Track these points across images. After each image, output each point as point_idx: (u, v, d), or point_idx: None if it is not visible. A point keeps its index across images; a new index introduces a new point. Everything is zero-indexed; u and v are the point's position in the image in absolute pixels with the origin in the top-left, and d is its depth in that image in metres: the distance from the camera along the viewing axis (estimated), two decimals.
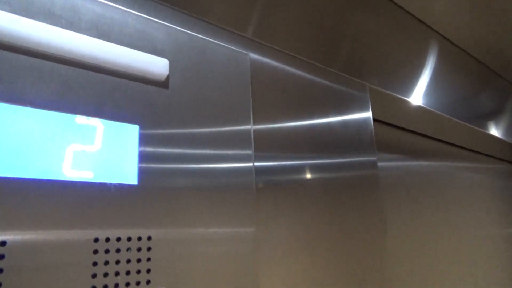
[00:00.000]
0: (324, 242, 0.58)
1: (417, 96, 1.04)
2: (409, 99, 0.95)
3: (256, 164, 0.52)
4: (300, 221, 0.55)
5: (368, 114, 0.74)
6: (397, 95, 0.91)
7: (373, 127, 0.75)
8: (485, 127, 1.41)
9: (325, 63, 0.70)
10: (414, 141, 0.93)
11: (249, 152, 0.52)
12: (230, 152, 0.49)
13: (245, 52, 0.55)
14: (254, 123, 0.54)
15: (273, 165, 0.55)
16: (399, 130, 0.90)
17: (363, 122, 0.73)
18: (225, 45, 0.53)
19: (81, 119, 0.39)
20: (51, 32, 0.37)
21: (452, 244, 0.99)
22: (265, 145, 0.54)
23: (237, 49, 0.54)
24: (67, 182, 0.36)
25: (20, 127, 0.35)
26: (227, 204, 0.47)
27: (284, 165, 0.56)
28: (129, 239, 0.39)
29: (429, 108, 0.99)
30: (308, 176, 0.59)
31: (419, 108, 0.97)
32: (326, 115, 0.65)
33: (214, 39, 0.52)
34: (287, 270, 0.52)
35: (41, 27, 0.37)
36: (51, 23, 0.38)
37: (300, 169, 0.58)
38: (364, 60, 0.86)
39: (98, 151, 0.39)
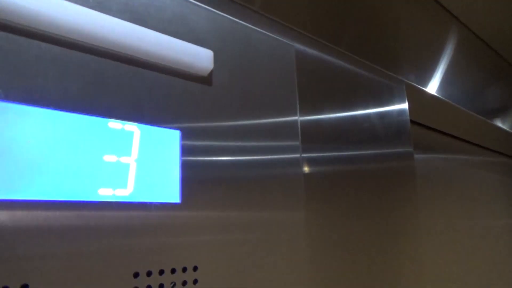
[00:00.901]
0: (364, 232, 0.55)
1: (433, 86, 0.98)
2: (426, 89, 0.89)
3: (303, 155, 0.47)
4: (343, 210, 0.53)
5: (405, 105, 0.71)
6: (433, 93, 0.85)
7: (409, 119, 0.72)
8: (494, 121, 1.36)
9: (361, 55, 0.65)
10: (447, 140, 0.88)
11: (296, 143, 0.45)
12: (277, 143, 0.43)
13: (291, 44, 0.48)
14: (300, 114, 0.48)
15: (319, 156, 0.51)
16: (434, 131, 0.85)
17: (399, 114, 0.69)
18: (271, 35, 0.46)
19: (114, 124, 0.31)
20: (77, 14, 0.29)
21: (480, 236, 0.95)
22: (311, 136, 0.50)
23: (283, 40, 0.47)
24: (101, 203, 0.29)
25: (41, 134, 0.27)
26: (275, 194, 0.41)
27: (329, 156, 0.53)
28: (173, 271, 0.32)
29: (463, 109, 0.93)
30: (350, 166, 0.56)
31: (449, 105, 0.91)
32: (366, 107, 0.61)
33: (260, 29, 0.45)
34: (333, 257, 0.49)
35: (65, 7, 0.29)
36: (76, 2, 0.30)
37: (343, 159, 0.55)
38: (395, 48, 0.80)
39: (135, 163, 0.32)
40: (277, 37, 0.46)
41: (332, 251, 0.49)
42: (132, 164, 0.32)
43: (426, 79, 0.95)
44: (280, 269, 0.39)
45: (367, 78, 0.63)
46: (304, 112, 0.49)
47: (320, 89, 0.53)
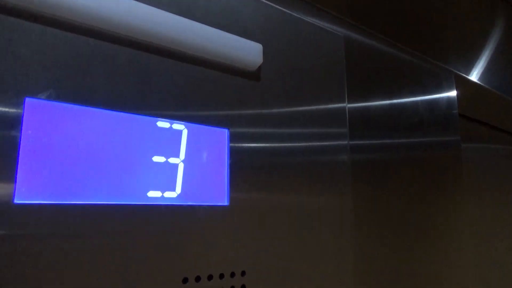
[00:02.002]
0: (410, 220, 0.54)
1: (480, 75, 0.92)
2: (474, 79, 0.84)
3: (351, 142, 0.46)
4: (389, 198, 0.52)
5: (453, 94, 0.69)
6: (482, 84, 0.80)
7: (457, 108, 0.70)
8: None
9: (410, 45, 0.61)
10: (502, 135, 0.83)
11: (344, 130, 0.44)
12: (326, 130, 0.41)
13: (340, 34, 0.45)
14: (348, 101, 0.46)
15: (366, 143, 0.50)
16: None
17: (448, 103, 0.67)
18: (319, 25, 0.43)
19: (163, 123, 0.30)
20: (126, 7, 0.28)
21: None
22: (359, 123, 0.49)
23: (332, 30, 0.44)
24: (149, 206, 0.28)
25: (91, 135, 0.26)
26: (323, 181, 0.39)
27: (376, 143, 0.52)
28: (222, 276, 0.31)
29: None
30: (397, 154, 0.55)
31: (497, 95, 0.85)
32: (414, 96, 0.59)
33: (308, 19, 0.42)
34: (379, 245, 0.48)
35: (113, 0, 0.27)
36: None
37: (390, 147, 0.54)
38: (443, 37, 0.75)
39: (182, 164, 0.30)
40: (326, 27, 0.44)
41: (378, 239, 0.48)
42: (180, 165, 0.30)
43: (473, 68, 0.90)
44: (327, 260, 0.38)
45: (415, 68, 0.60)
46: (352, 99, 0.48)
47: (368, 77, 0.51)
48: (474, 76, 0.81)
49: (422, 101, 0.61)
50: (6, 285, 0.22)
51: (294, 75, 0.39)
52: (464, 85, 0.74)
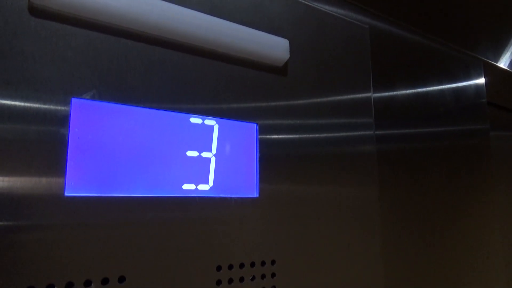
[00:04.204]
0: (437, 209, 0.55)
1: (506, 59, 0.90)
2: (499, 65, 0.82)
3: (376, 132, 0.47)
4: (416, 187, 0.52)
5: (481, 80, 0.68)
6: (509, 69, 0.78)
7: (486, 96, 0.69)
8: None
9: (437, 33, 0.61)
10: None
11: (370, 120, 0.44)
12: (351, 120, 0.42)
13: (365, 26, 0.45)
14: (374, 91, 0.47)
15: (392, 133, 0.50)
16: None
17: (476, 91, 0.66)
18: (345, 18, 0.43)
19: (196, 119, 0.31)
20: (163, 10, 0.29)
21: None
22: (385, 113, 0.49)
23: (357, 22, 0.45)
24: (184, 198, 0.30)
25: (130, 131, 0.28)
26: (350, 171, 0.41)
27: (403, 132, 0.52)
28: (253, 264, 0.32)
29: None
30: (424, 143, 0.55)
31: None
32: (441, 84, 0.59)
33: (334, 12, 0.43)
34: (405, 234, 0.49)
35: (152, 3, 0.29)
36: None
37: (416, 136, 0.54)
38: (471, 24, 0.74)
39: (214, 157, 0.32)
40: (352, 20, 0.44)
41: (405, 228, 0.49)
42: (212, 159, 0.32)
43: (502, 55, 0.87)
44: (354, 249, 0.39)
45: (443, 56, 0.60)
46: (377, 89, 0.48)
47: (394, 66, 0.52)
48: (503, 63, 0.79)
49: (449, 89, 0.61)
50: (57, 272, 0.24)
51: (320, 68, 0.40)
52: (493, 72, 0.72)
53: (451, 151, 0.59)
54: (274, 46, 0.35)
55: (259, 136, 0.35)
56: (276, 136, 0.36)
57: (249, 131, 0.34)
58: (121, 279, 0.26)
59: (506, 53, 0.82)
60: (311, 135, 0.38)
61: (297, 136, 0.37)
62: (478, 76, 0.68)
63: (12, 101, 0.23)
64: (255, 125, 0.35)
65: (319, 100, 0.39)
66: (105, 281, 0.25)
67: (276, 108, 0.36)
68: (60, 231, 0.24)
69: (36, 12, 0.25)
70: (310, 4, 0.40)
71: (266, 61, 0.35)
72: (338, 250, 0.38)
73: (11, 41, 0.24)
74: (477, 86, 0.67)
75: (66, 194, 0.25)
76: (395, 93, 0.51)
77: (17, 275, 0.22)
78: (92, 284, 0.25)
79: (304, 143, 0.37)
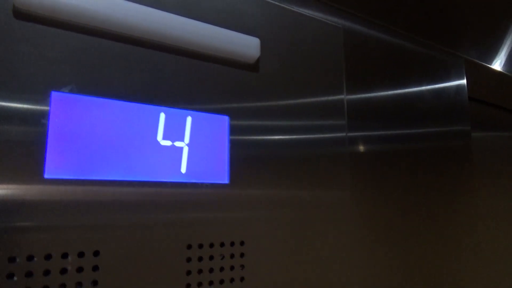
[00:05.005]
0: (414, 213, 0.55)
1: (499, 62, 0.91)
2: (491, 66, 0.83)
3: (349, 134, 0.48)
4: (391, 190, 0.53)
5: (463, 81, 0.68)
6: (493, 67, 0.79)
7: (467, 96, 0.69)
8: None
9: (414, 30, 0.62)
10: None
11: (343, 122, 0.47)
12: (324, 123, 0.44)
13: (339, 26, 0.48)
14: (347, 93, 0.48)
15: (366, 135, 0.51)
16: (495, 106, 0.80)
17: (457, 92, 0.66)
18: (318, 18, 0.46)
19: (170, 111, 0.34)
20: (136, 12, 0.32)
21: None
22: (359, 114, 0.50)
23: (331, 23, 0.47)
24: (158, 183, 0.32)
25: (107, 122, 0.31)
26: (324, 187, 0.42)
27: (377, 134, 0.53)
28: (222, 244, 0.35)
29: None
30: (400, 145, 0.56)
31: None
32: (419, 84, 0.60)
33: (307, 12, 0.45)
34: (378, 239, 0.50)
35: (126, 6, 0.32)
36: (135, 1, 0.33)
37: (392, 138, 0.55)
38: (452, 20, 0.75)
39: (187, 147, 0.35)
40: (325, 20, 0.47)
41: (378, 233, 0.49)
42: (185, 148, 0.35)
43: (490, 54, 0.88)
44: (324, 244, 0.41)
45: (421, 55, 0.61)
46: (351, 91, 0.49)
47: (368, 67, 0.53)
48: (492, 63, 0.80)
49: (429, 90, 0.62)
50: (36, 244, 0.27)
51: (292, 66, 0.43)
52: (476, 71, 0.73)
53: (431, 152, 0.60)
54: (245, 44, 0.38)
55: (231, 129, 0.37)
56: (248, 129, 0.38)
57: (221, 123, 0.37)
58: (96, 253, 0.29)
59: (494, 51, 0.83)
60: (282, 131, 0.41)
61: (268, 131, 0.40)
62: (459, 76, 0.69)
63: None
64: (226, 117, 0.37)
65: (290, 96, 0.42)
66: (81, 254, 0.28)
67: (248, 103, 0.39)
68: (40, 209, 0.27)
69: (20, 15, 0.28)
70: (282, 5, 0.43)
71: (238, 58, 0.38)
72: (305, 233, 0.40)
73: None
74: (458, 87, 0.68)
75: (46, 176, 0.28)
76: (372, 94, 0.53)
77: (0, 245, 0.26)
78: (69, 257, 0.28)
79: (275, 139, 0.40)
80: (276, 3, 0.42)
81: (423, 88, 0.61)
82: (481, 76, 0.76)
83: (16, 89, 0.27)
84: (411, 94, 0.59)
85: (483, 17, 0.78)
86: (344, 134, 0.46)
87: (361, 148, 0.50)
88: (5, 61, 0.27)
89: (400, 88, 0.57)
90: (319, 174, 0.43)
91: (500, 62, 0.88)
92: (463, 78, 0.69)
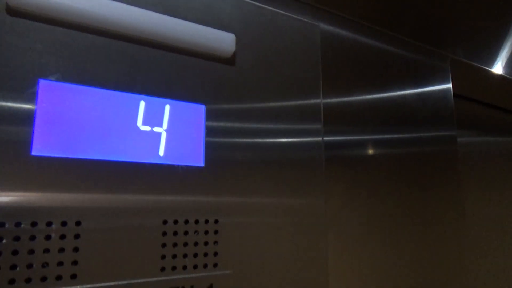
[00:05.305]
0: (395, 220, 0.55)
1: (500, 66, 0.91)
2: (492, 69, 0.83)
3: (325, 138, 0.50)
4: (371, 197, 0.53)
5: (448, 85, 0.68)
6: (480, 65, 0.80)
7: (453, 99, 0.68)
8: None
9: (399, 31, 0.64)
10: (501, 117, 0.84)
11: (318, 126, 0.49)
12: (299, 126, 0.47)
13: (315, 23, 0.51)
14: (324, 96, 0.51)
15: (344, 140, 0.52)
16: (482, 105, 0.81)
17: (441, 94, 0.67)
18: (294, 16, 0.49)
19: (149, 100, 0.38)
20: (119, 10, 0.36)
21: None
22: (335, 119, 0.51)
23: (307, 20, 0.50)
24: (138, 163, 0.36)
25: (90, 109, 0.35)
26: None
27: (355, 139, 0.54)
28: (197, 222, 0.38)
29: None
30: (380, 151, 0.56)
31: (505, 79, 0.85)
32: (402, 88, 0.61)
33: (283, 10, 0.49)
34: (356, 246, 0.50)
35: (108, 4, 0.36)
36: (119, 0, 0.37)
37: (372, 143, 0.55)
38: (440, 22, 0.77)
39: (165, 132, 0.38)
40: (301, 18, 0.50)
41: (355, 240, 0.50)
42: (163, 133, 0.38)
43: (489, 57, 0.89)
44: (295, 215, 0.44)
45: (403, 55, 0.63)
46: (328, 94, 0.51)
47: (347, 69, 0.55)
48: (498, 67, 0.81)
49: (412, 94, 0.62)
50: (23, 213, 0.30)
51: (268, 62, 0.46)
52: (463, 71, 0.74)
53: (414, 158, 0.59)
54: (221, 39, 0.41)
55: (207, 117, 0.41)
56: (223, 117, 0.42)
57: (198, 112, 0.40)
58: (78, 223, 0.32)
59: (471, 45, 0.84)
60: (256, 120, 0.44)
61: (243, 119, 0.43)
62: (444, 78, 0.68)
63: None
64: (203, 106, 0.41)
65: (266, 88, 0.45)
66: (64, 223, 0.32)
67: (224, 93, 0.42)
68: (27, 182, 0.31)
69: (12, 12, 0.32)
70: (258, 4, 0.46)
71: (214, 53, 0.42)
72: (277, 211, 0.43)
73: None
74: (444, 89, 0.67)
75: (33, 153, 0.31)
76: (348, 99, 0.54)
77: None
78: (53, 225, 0.31)
79: (249, 127, 0.43)
80: (252, 2, 0.46)
81: (406, 92, 0.61)
82: (470, 77, 0.77)
83: (8, 76, 0.31)
84: (393, 98, 0.59)
85: (474, 14, 0.79)
86: (320, 138, 0.49)
87: (336, 152, 0.50)
88: None
89: (382, 92, 0.58)
90: (293, 177, 0.45)
91: (501, 64, 0.89)
92: (448, 80, 0.69)
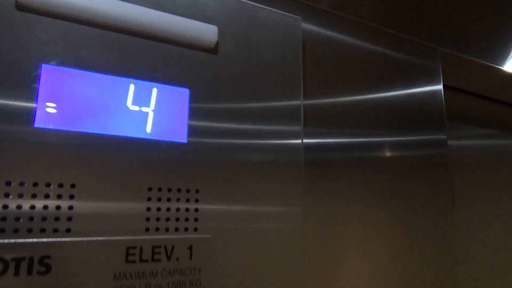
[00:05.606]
0: (378, 226, 0.55)
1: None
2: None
3: (305, 140, 0.52)
4: (353, 202, 0.53)
5: (439, 86, 0.68)
6: (479, 60, 0.82)
7: (443, 100, 0.68)
8: None
9: (387, 25, 0.66)
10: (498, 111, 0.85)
11: (298, 128, 0.53)
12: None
13: (297, 17, 0.55)
14: (305, 96, 0.54)
15: (324, 142, 0.54)
16: (476, 98, 0.82)
17: (431, 94, 0.67)
18: (275, 10, 0.54)
19: (138, 83, 0.43)
20: (112, 5, 0.42)
21: None
22: (316, 120, 0.53)
23: (288, 14, 0.55)
24: (126, 137, 0.41)
25: (86, 91, 0.40)
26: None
27: (336, 142, 0.56)
28: (179, 190, 0.43)
29: None
30: (364, 154, 0.57)
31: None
32: (389, 88, 0.62)
33: (265, 5, 0.53)
34: (335, 252, 0.52)
35: (102, 0, 0.41)
36: None
37: (355, 147, 0.56)
38: (434, 17, 0.78)
39: (152, 112, 0.43)
40: (282, 12, 0.54)
41: (332, 246, 0.50)
42: (150, 112, 0.43)
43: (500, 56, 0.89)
44: (273, 191, 0.49)
45: (391, 55, 0.66)
46: (310, 94, 0.53)
47: (330, 68, 0.58)
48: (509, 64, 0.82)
49: (400, 95, 0.61)
50: (26, 174, 0.36)
51: (249, 57, 0.51)
52: (452, 65, 0.74)
53: (402, 163, 0.59)
54: (203, 30, 0.47)
55: (190, 100, 0.46)
56: (206, 101, 0.47)
57: (182, 94, 0.45)
58: (73, 186, 0.38)
59: (472, 43, 0.86)
60: (237, 104, 0.49)
61: (225, 101, 0.48)
62: (435, 78, 0.67)
63: None
64: (187, 90, 0.46)
65: (247, 77, 0.50)
66: (60, 185, 0.37)
67: (207, 78, 0.47)
68: (30, 150, 0.37)
69: (20, 7, 0.38)
70: (242, 0, 0.51)
71: (198, 42, 0.47)
72: (256, 183, 0.48)
73: (2, 27, 0.37)
74: (433, 90, 0.66)
75: (35, 125, 0.37)
76: (331, 100, 0.54)
77: None
78: (51, 186, 0.37)
79: (231, 108, 0.48)
80: None
81: (394, 93, 0.61)
82: (460, 70, 0.78)
83: (16, 61, 0.37)
84: (378, 98, 0.60)
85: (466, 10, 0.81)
86: (299, 141, 0.51)
87: (316, 156, 0.51)
88: (8, 41, 0.37)
89: (366, 92, 0.59)
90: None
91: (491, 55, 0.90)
92: (439, 82, 0.68)
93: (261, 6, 0.53)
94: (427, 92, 0.67)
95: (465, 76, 0.76)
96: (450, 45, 0.78)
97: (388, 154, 0.58)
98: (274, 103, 0.51)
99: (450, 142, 0.72)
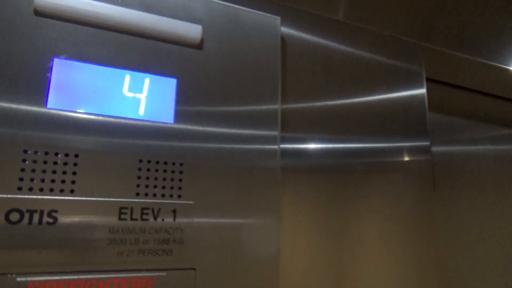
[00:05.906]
0: (359, 234, 0.55)
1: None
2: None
3: (282, 146, 0.55)
4: (331, 208, 0.54)
5: (422, 91, 0.69)
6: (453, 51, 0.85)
7: (427, 105, 0.67)
8: None
9: (362, 20, 0.70)
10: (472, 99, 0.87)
11: (275, 133, 0.58)
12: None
13: (276, 16, 0.63)
14: (284, 99, 0.60)
15: (303, 148, 0.57)
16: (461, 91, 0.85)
17: (413, 99, 0.68)
18: (256, 11, 0.61)
19: (133, 73, 0.52)
20: (108, 9, 0.51)
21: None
22: (294, 125, 0.55)
23: (267, 14, 0.62)
24: (123, 118, 0.50)
25: (88, 80, 0.49)
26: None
27: (316, 148, 0.57)
28: (165, 163, 0.51)
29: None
30: (344, 160, 0.58)
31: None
32: (370, 92, 0.63)
33: (248, 7, 0.61)
34: (310, 260, 0.54)
35: (101, 5, 0.50)
36: (108, 2, 0.52)
37: (334, 152, 0.57)
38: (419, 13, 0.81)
39: (145, 98, 0.52)
40: (263, 13, 0.62)
41: (309, 254, 0.52)
42: (143, 98, 0.52)
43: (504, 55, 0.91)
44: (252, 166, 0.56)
45: (375, 59, 0.71)
46: (288, 98, 0.58)
47: (309, 72, 0.63)
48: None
49: (383, 99, 0.63)
50: (38, 144, 0.45)
51: (231, 55, 0.58)
52: (439, 62, 0.75)
53: (383, 170, 0.59)
54: (189, 29, 0.55)
55: (178, 88, 0.54)
56: (191, 88, 0.55)
57: (170, 84, 0.54)
58: (76, 155, 0.47)
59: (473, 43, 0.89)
60: (223, 91, 0.56)
61: (208, 88, 0.56)
62: (418, 82, 0.67)
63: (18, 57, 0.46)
64: (175, 79, 0.54)
65: (228, 73, 0.58)
66: (66, 155, 0.46)
67: (193, 68, 0.55)
68: (42, 126, 0.46)
69: (38, 13, 0.48)
70: (224, 3, 0.59)
71: (184, 40, 0.55)
72: (235, 158, 0.55)
73: (22, 29, 0.47)
74: (417, 94, 0.67)
75: (47, 107, 0.46)
76: (311, 104, 0.56)
77: (14, 143, 0.44)
78: (59, 155, 0.46)
79: (216, 95, 0.56)
80: (219, 1, 0.59)
81: (376, 97, 0.62)
82: (448, 68, 0.81)
83: (33, 56, 0.47)
84: (358, 103, 0.61)
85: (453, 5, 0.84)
86: (276, 146, 0.56)
87: (294, 162, 0.52)
88: (28, 39, 0.47)
89: (347, 97, 0.62)
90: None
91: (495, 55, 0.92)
92: (422, 86, 0.69)
93: (243, 8, 0.60)
94: (410, 96, 0.67)
95: (445, 65, 0.79)
96: (436, 42, 0.81)
97: (369, 160, 0.58)
98: (251, 106, 0.58)
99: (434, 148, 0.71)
